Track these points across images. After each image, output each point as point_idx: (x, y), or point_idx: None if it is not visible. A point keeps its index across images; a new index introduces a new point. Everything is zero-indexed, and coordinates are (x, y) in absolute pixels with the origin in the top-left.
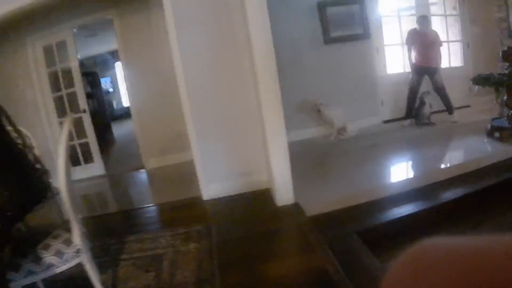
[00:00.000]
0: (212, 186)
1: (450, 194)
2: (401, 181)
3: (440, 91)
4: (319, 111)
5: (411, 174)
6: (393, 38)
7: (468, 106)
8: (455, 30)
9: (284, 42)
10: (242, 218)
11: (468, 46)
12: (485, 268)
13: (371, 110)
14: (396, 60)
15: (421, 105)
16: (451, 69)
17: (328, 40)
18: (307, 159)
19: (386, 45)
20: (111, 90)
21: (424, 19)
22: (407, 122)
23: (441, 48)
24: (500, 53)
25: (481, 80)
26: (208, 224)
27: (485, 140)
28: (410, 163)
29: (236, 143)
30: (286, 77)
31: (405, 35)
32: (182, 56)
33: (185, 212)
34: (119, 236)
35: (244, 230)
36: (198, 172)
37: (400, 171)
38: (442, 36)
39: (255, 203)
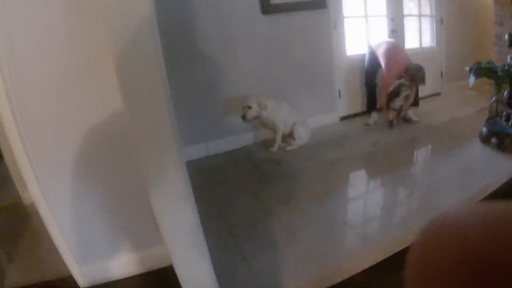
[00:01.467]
0: (87, 268)
1: None
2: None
3: None
4: (244, 117)
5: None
6: (354, 8)
7: (438, 94)
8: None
9: (204, 12)
10: None
11: (442, 23)
12: None
13: (326, 105)
14: (357, 38)
15: (393, 96)
16: (421, 50)
17: (268, 9)
18: (236, 192)
19: (346, 17)
20: None
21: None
22: (372, 119)
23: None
24: (506, 36)
25: (483, 71)
26: None
27: (478, 147)
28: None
29: (117, 192)
30: (206, 62)
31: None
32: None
33: None
34: None
35: None
36: (58, 245)
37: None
38: (414, 10)
39: None
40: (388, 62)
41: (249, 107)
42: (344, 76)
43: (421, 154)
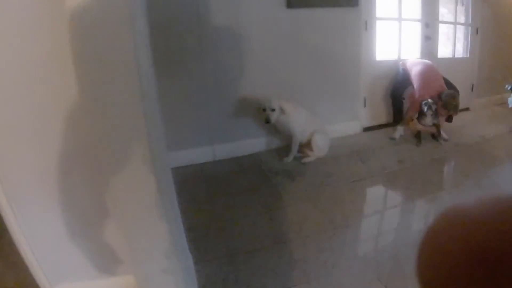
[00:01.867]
0: None
1: None
2: None
3: None
4: (267, 120)
5: None
6: (388, 10)
7: (467, 108)
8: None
9: (217, 2)
10: None
11: (477, 33)
12: None
13: (348, 113)
14: (389, 43)
15: (420, 114)
16: (452, 61)
17: (294, 2)
18: (242, 209)
19: (378, 19)
20: None
21: None
22: (398, 132)
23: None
24: None
25: None
26: None
27: None
28: None
29: (95, 211)
30: (218, 58)
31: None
32: None
33: None
34: None
35: None
36: (29, 263)
37: None
38: (448, 17)
39: None
40: (421, 85)
41: (273, 110)
42: (371, 83)
43: (451, 178)
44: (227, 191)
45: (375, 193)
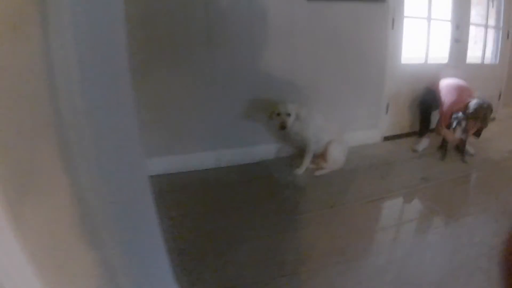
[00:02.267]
0: None
1: None
2: None
3: None
4: (282, 126)
5: None
6: (418, 7)
7: (492, 118)
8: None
9: None
10: None
11: (508, 37)
12: None
13: (368, 120)
14: (416, 43)
15: (449, 128)
16: (482, 68)
17: None
18: (246, 231)
19: (406, 17)
20: None
21: None
22: (422, 145)
23: None
24: None
25: None
26: None
27: None
28: None
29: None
30: (225, 52)
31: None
32: None
33: None
34: None
35: None
36: None
37: None
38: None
39: None
40: (448, 96)
41: (288, 114)
42: (395, 88)
43: (478, 200)
44: (229, 205)
45: (394, 217)
